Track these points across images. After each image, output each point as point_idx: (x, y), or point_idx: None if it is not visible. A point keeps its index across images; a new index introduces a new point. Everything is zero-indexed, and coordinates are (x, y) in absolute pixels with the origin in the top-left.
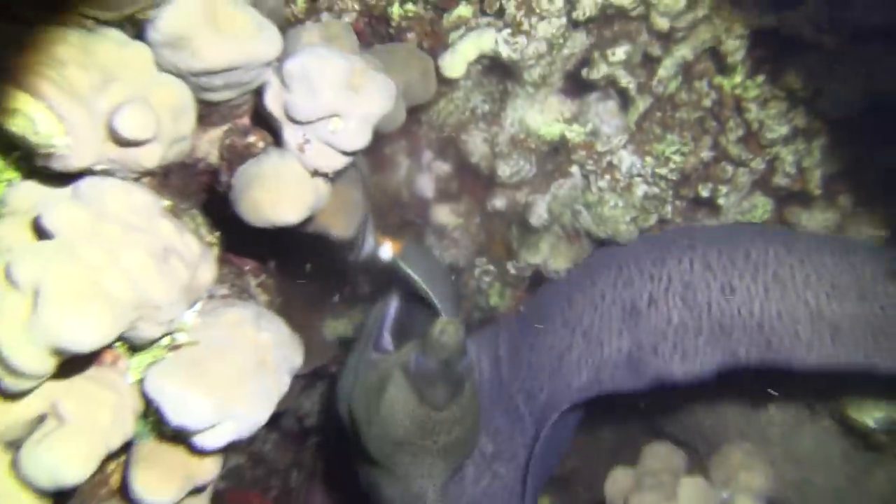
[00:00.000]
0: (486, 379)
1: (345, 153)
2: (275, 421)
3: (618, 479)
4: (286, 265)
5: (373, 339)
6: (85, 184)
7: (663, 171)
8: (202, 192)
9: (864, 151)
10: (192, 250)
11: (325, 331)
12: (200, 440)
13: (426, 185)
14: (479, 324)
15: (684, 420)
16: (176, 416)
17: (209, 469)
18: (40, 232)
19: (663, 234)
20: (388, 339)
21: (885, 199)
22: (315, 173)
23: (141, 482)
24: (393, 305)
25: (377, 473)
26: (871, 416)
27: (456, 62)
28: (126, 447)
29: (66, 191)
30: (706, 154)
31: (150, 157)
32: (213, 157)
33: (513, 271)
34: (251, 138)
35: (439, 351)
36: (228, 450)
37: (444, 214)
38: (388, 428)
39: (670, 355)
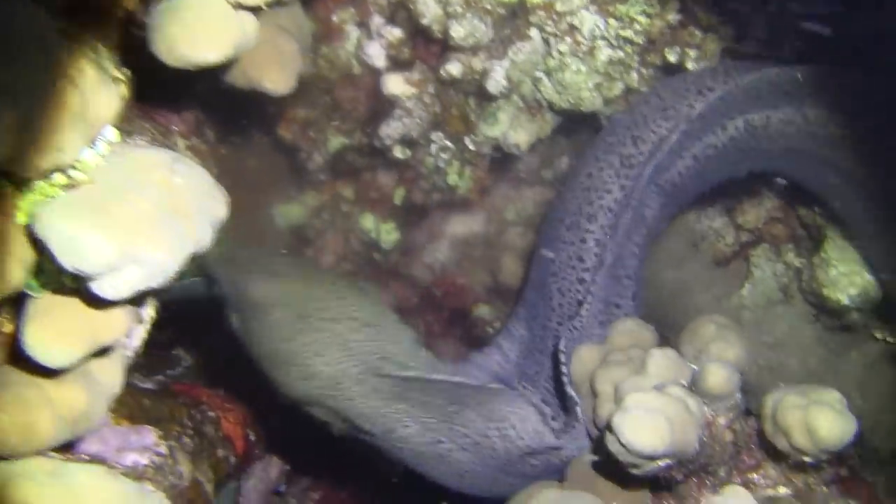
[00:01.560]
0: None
1: None
2: None
3: (583, 358)
4: (226, 135)
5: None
6: None
7: (628, 33)
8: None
9: None
10: (87, 76)
11: (277, 217)
12: (99, 287)
13: (377, 54)
14: (439, 206)
15: (652, 306)
16: (68, 257)
17: (116, 326)
18: None
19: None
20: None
21: None
22: (238, 6)
23: (34, 340)
24: None
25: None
26: (845, 292)
27: None
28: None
29: None
30: (673, 17)
31: None
32: None
33: (471, 147)
34: None
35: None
36: (141, 302)
37: (396, 85)
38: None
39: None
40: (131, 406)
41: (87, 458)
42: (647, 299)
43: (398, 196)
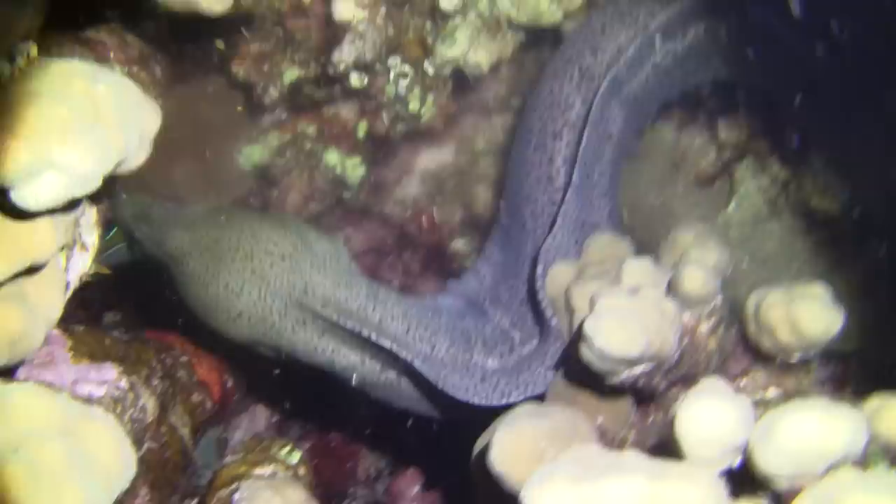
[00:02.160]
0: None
1: None
2: None
3: (556, 277)
4: (177, 75)
5: None
6: None
7: None
8: None
9: None
10: None
11: (239, 160)
12: (18, 195)
13: None
14: (403, 136)
15: (635, 230)
16: None
17: (45, 242)
18: None
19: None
20: None
21: None
22: None
23: None
24: None
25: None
26: (836, 199)
27: None
28: None
29: None
30: None
31: None
32: None
33: (431, 70)
34: None
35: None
36: (63, 212)
37: (346, 8)
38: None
39: None
40: (91, 345)
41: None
42: (629, 226)
43: (361, 129)
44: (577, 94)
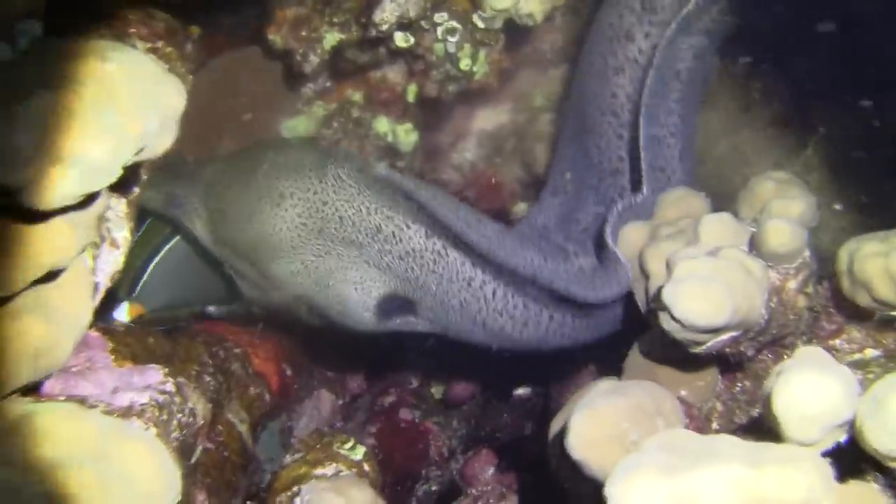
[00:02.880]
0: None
1: None
2: None
3: (629, 236)
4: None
5: None
6: None
7: None
8: None
9: None
10: None
11: (284, 132)
12: (28, 195)
13: None
14: (456, 98)
15: (707, 180)
16: None
17: (62, 243)
18: None
19: None
20: None
21: None
22: None
23: None
24: None
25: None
26: None
27: None
28: None
29: None
30: None
31: None
32: None
33: (481, 24)
34: None
35: None
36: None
37: None
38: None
39: None
40: (134, 346)
41: (63, 399)
42: (701, 175)
43: (411, 93)
44: (640, 27)
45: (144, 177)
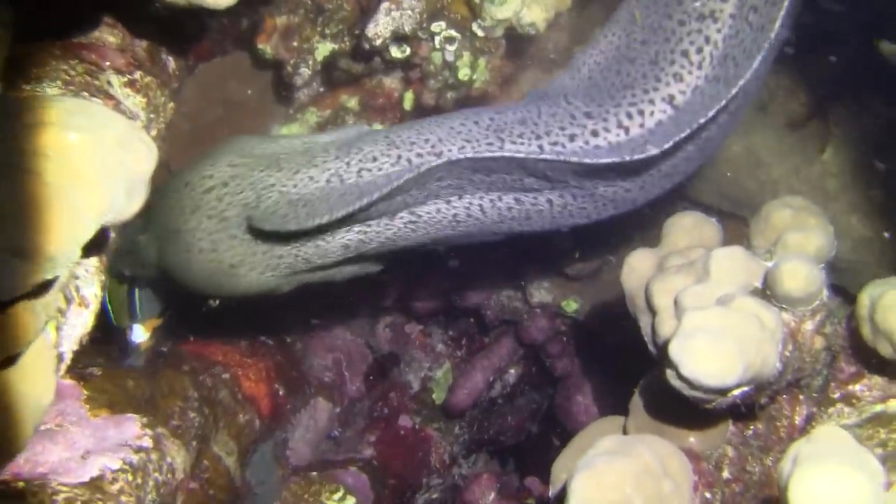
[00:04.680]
0: None
1: None
2: None
3: (635, 266)
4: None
5: None
6: None
7: None
8: None
9: None
10: None
11: None
12: None
13: None
14: (456, 105)
15: (721, 184)
16: None
17: (22, 329)
18: None
19: None
20: None
21: None
22: None
23: None
24: None
25: None
26: None
27: None
28: None
29: None
30: None
31: None
32: None
33: (480, 33)
34: None
35: None
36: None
37: None
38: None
39: None
40: (111, 392)
41: (21, 485)
42: (714, 178)
43: (408, 100)
44: None
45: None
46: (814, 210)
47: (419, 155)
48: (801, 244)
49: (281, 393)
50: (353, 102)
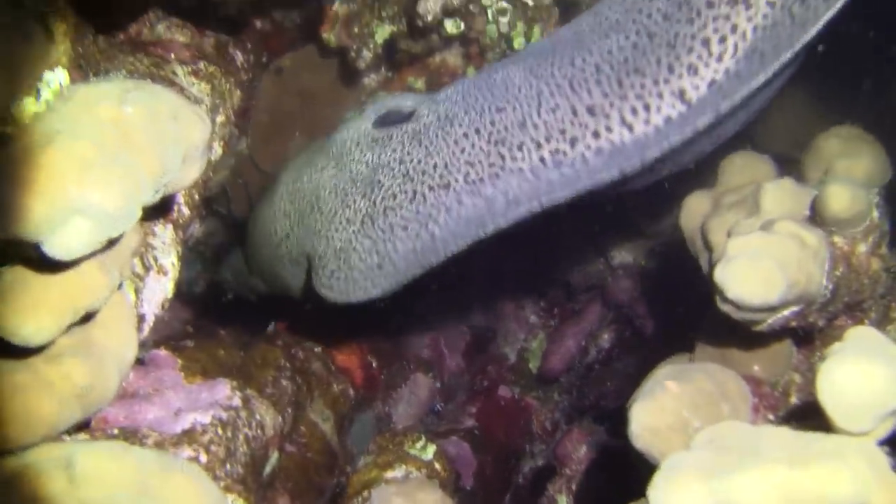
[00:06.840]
0: None
1: None
2: None
3: (692, 207)
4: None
5: None
6: None
7: None
8: None
9: None
10: None
11: None
12: (49, 248)
13: None
14: None
15: (773, 130)
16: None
17: (93, 287)
18: None
19: None
20: None
21: None
22: None
23: (3, 320)
24: None
25: None
26: None
27: None
28: None
29: None
30: None
31: None
32: None
33: (531, 2)
34: None
35: None
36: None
37: None
38: None
39: None
40: (204, 361)
41: (116, 431)
42: (784, 125)
43: (470, 75)
44: None
45: (197, 197)
46: (865, 137)
47: None
48: (848, 169)
49: (374, 365)
50: (419, 83)
